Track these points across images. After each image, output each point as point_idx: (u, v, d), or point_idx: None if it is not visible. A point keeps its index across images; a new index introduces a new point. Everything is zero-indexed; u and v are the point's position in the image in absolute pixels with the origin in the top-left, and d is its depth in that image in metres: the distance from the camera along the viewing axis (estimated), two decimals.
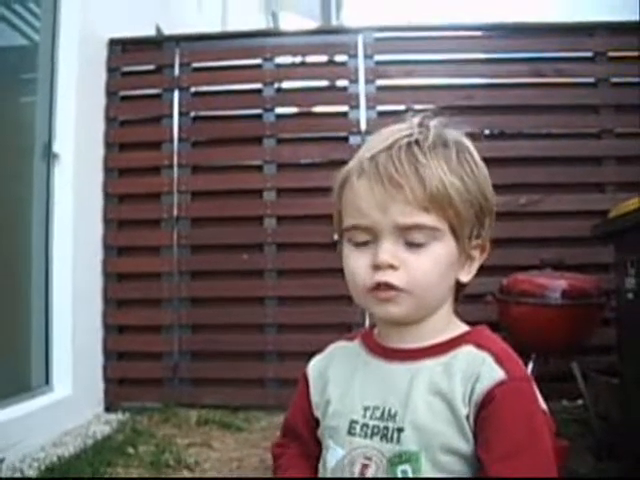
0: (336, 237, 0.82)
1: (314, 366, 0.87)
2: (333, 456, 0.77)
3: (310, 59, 3.83)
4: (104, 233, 3.46)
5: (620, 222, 2.10)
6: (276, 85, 3.55)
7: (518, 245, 3.15)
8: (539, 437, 0.69)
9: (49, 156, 3.05)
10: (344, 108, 3.48)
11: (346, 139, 3.43)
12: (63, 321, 3.01)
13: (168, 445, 2.61)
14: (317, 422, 0.84)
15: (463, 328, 0.80)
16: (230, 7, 6.70)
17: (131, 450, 2.56)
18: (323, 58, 3.74)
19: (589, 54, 3.40)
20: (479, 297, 2.68)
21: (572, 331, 2.55)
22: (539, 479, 0.68)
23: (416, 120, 0.78)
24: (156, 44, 3.72)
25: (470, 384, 0.71)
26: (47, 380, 2.97)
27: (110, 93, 3.54)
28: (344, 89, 3.53)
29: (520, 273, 2.69)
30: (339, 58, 3.60)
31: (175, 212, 3.45)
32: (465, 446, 0.70)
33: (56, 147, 3.07)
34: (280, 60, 3.60)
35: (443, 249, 0.74)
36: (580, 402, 2.79)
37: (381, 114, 3.41)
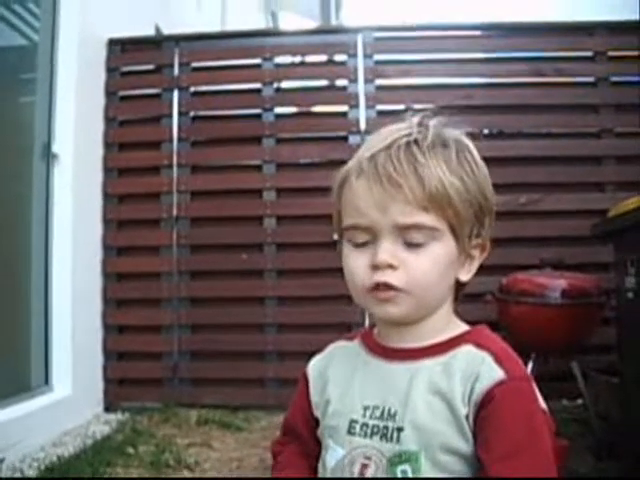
0: (336, 237, 0.82)
1: (314, 366, 0.87)
2: (333, 456, 0.77)
3: (309, 59, 3.83)
4: (103, 233, 3.46)
5: (620, 221, 2.10)
6: (275, 85, 3.55)
7: (518, 244, 3.15)
8: (539, 437, 0.69)
9: (48, 156, 3.05)
10: (343, 108, 3.48)
11: (345, 139, 3.43)
12: (63, 321, 3.01)
13: (168, 445, 2.61)
14: (317, 422, 0.83)
15: (463, 328, 0.79)
16: (229, 7, 6.70)
17: (131, 450, 2.56)
18: (322, 58, 3.74)
19: (589, 53, 3.39)
20: (479, 296, 2.68)
21: (572, 330, 2.55)
22: (539, 479, 0.68)
23: (415, 120, 0.78)
24: (155, 44, 3.71)
25: (470, 384, 0.71)
26: (47, 380, 2.97)
27: (109, 93, 3.54)
28: (343, 89, 3.52)
29: (520, 272, 2.68)
30: (338, 58, 3.59)
31: (174, 212, 3.45)
32: (465, 446, 0.70)
33: (55, 147, 3.07)
34: (279, 60, 3.60)
35: (442, 249, 0.74)
36: (580, 402, 2.79)
37: (380, 114, 3.40)
